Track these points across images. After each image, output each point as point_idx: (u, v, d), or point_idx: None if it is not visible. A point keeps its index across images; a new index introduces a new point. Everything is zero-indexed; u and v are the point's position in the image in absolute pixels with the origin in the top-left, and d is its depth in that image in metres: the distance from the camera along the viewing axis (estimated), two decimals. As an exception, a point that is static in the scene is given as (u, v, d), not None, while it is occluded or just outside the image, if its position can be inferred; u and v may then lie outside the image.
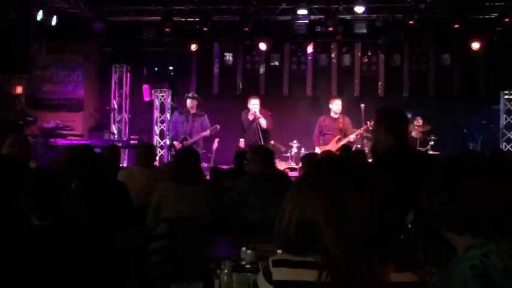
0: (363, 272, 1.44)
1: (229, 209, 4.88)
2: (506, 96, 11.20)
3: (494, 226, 1.63)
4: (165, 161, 11.10)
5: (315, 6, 10.97)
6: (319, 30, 11.38)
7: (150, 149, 6.41)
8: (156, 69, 12.22)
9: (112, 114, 12.24)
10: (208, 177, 7.14)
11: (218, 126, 9.88)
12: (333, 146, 9.26)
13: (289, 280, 1.49)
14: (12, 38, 9.51)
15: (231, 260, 3.07)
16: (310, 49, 12.05)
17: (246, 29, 11.02)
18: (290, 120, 11.31)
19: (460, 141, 10.80)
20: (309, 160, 6.38)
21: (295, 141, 9.97)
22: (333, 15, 10.88)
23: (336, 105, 9.72)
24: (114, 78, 12.27)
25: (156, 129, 11.88)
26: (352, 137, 9.43)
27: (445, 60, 12.00)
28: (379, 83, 12.06)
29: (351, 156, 6.73)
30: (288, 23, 11.40)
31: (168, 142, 11.29)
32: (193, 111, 10.05)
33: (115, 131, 12.18)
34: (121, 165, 8.77)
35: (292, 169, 9.20)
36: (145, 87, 12.05)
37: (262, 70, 12.28)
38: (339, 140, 9.46)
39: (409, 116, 10.61)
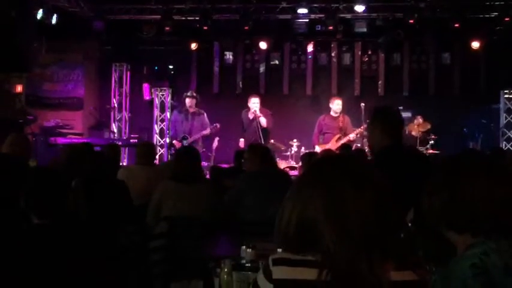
0: (363, 270, 1.45)
1: (229, 208, 4.88)
2: (506, 96, 11.18)
3: (494, 225, 1.63)
4: (165, 159, 11.10)
5: (315, 5, 10.97)
6: (319, 29, 11.38)
7: (150, 148, 6.41)
8: (156, 68, 12.21)
9: (112, 113, 12.23)
10: (208, 176, 7.14)
11: (218, 125, 9.88)
12: (332, 145, 9.26)
13: (289, 279, 1.49)
14: (12, 36, 9.51)
15: (231, 259, 3.07)
16: (310, 48, 12.05)
17: (246, 27, 11.02)
18: (290, 119, 11.31)
19: (460, 141, 10.79)
20: (309, 159, 6.38)
21: (295, 140, 9.97)
22: (333, 14, 10.88)
23: (336, 105, 9.71)
24: (114, 77, 12.26)
25: (156, 128, 11.88)
26: (352, 136, 9.43)
27: (445, 59, 12.00)
28: (379, 82, 12.06)
29: (350, 155, 6.74)
30: (288, 22, 11.39)
31: (168, 141, 11.29)
32: (192, 110, 10.05)
33: (115, 130, 12.18)
34: (121, 164, 8.77)
35: (292, 168, 9.20)
36: (146, 86, 12.05)
37: (262, 69, 12.27)
38: (339, 138, 9.46)
39: (409, 115, 10.63)
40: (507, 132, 11.12)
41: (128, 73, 12.33)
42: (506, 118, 11.16)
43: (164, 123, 11.80)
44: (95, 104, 12.40)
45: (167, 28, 11.08)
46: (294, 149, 9.89)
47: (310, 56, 12.13)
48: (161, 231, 4.39)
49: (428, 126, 10.04)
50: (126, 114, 12.32)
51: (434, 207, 1.72)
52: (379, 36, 11.53)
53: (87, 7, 11.12)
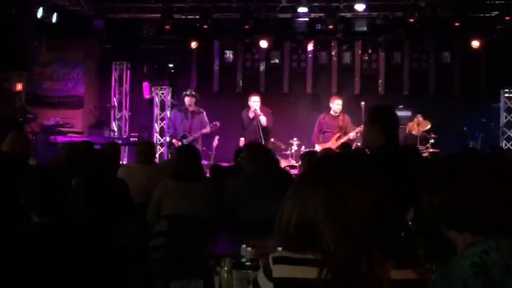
0: (363, 269, 1.45)
1: (229, 207, 4.88)
2: (506, 95, 11.18)
3: (494, 224, 1.64)
4: (165, 158, 11.10)
5: (315, 4, 10.97)
6: (319, 28, 11.38)
7: (150, 147, 6.42)
8: (156, 66, 12.20)
9: (112, 112, 12.23)
10: (208, 175, 7.14)
11: (218, 123, 9.89)
12: (332, 144, 9.26)
13: (290, 277, 1.49)
14: (13, 35, 9.52)
15: (231, 258, 3.07)
16: (310, 47, 12.04)
17: (247, 26, 11.01)
18: (290, 118, 11.31)
19: (460, 140, 10.79)
20: (309, 158, 6.38)
21: (295, 139, 9.97)
22: (333, 13, 10.87)
23: (336, 105, 9.71)
24: (114, 75, 12.26)
25: (156, 127, 11.87)
26: (352, 135, 9.42)
27: (445, 58, 12.00)
28: (380, 81, 12.05)
29: (350, 154, 6.74)
30: (288, 21, 11.39)
31: (168, 140, 11.29)
32: (191, 108, 10.05)
33: (115, 129, 12.17)
34: (121, 162, 8.77)
35: (292, 167, 9.20)
36: (146, 84, 12.04)
37: (262, 68, 12.27)
38: (339, 137, 9.46)
39: (409, 114, 10.63)
40: (507, 131, 11.11)
41: (128, 72, 12.33)
42: (506, 117, 11.16)
43: (164, 121, 11.79)
44: (95, 102, 12.39)
45: (167, 27, 11.08)
46: (294, 147, 9.89)
47: (310, 55, 12.13)
48: (161, 230, 4.40)
49: (429, 125, 10.04)
50: (126, 113, 12.32)
51: (434, 206, 1.72)
52: (380, 35, 11.52)
53: (87, 6, 11.11)
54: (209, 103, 11.11)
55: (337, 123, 9.63)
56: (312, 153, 6.89)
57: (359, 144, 9.60)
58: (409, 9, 10.67)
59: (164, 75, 12.06)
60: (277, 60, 12.28)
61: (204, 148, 9.82)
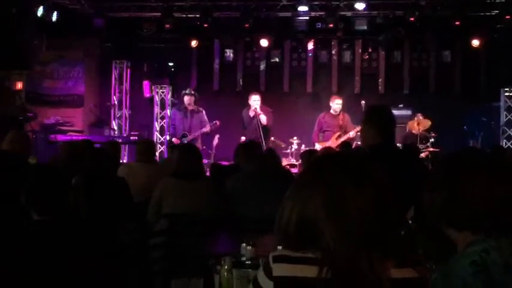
0: (363, 268, 1.45)
1: (229, 206, 4.89)
2: (506, 94, 11.18)
3: (494, 223, 1.64)
4: (165, 157, 11.10)
5: (315, 3, 10.97)
6: (319, 26, 11.38)
7: (150, 145, 6.42)
8: (156, 65, 12.20)
9: (112, 110, 12.23)
10: (208, 174, 7.14)
11: (218, 122, 9.89)
12: (332, 143, 9.26)
13: (290, 276, 1.49)
14: (13, 33, 9.52)
15: (231, 256, 3.08)
16: (310, 46, 12.04)
17: (247, 25, 11.01)
18: (290, 116, 11.31)
19: (460, 139, 10.79)
20: (309, 157, 6.39)
21: (295, 138, 9.97)
22: (333, 11, 10.87)
23: (336, 104, 9.72)
24: (115, 74, 12.25)
25: (157, 126, 11.87)
26: (352, 134, 9.42)
27: (445, 57, 11.99)
28: (380, 80, 12.05)
29: (350, 152, 6.73)
30: (289, 20, 11.39)
31: (168, 138, 11.29)
32: (191, 107, 10.06)
33: (115, 127, 12.17)
34: (121, 161, 8.77)
35: (292, 166, 9.20)
36: (146, 83, 12.04)
37: (262, 66, 12.27)
38: (339, 136, 9.46)
39: (410, 112, 10.64)
40: (507, 130, 11.11)
41: (128, 70, 12.32)
42: (506, 116, 11.16)
43: (164, 120, 11.80)
44: (95, 101, 12.40)
45: (167, 25, 11.08)
46: (294, 146, 9.89)
47: (310, 54, 12.13)
48: (161, 228, 4.40)
49: (429, 124, 10.03)
50: (126, 112, 12.31)
51: (434, 205, 1.72)
52: (380, 34, 11.52)
53: (88, 4, 11.11)
54: (209, 102, 11.12)
55: (337, 122, 9.63)
56: (312, 152, 6.89)
57: (359, 143, 9.60)
58: (409, 8, 10.67)
59: (164, 74, 12.05)
60: (277, 59, 12.28)
61: (204, 147, 9.83)
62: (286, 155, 9.89)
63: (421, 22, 10.79)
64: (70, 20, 10.92)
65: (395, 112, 10.77)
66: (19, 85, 10.30)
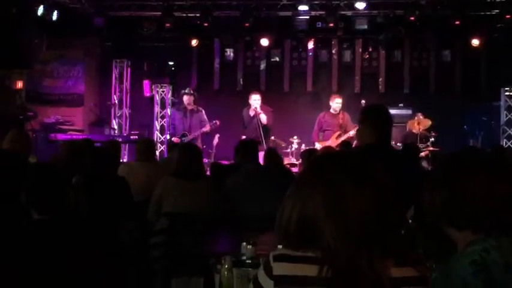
0: (363, 267, 1.45)
1: (229, 205, 4.89)
2: (507, 93, 11.17)
3: (494, 222, 1.64)
4: (166, 156, 11.09)
5: (315, 2, 10.96)
6: (320, 26, 11.38)
7: (150, 144, 6.42)
8: (156, 64, 12.20)
9: (112, 110, 12.23)
10: (208, 173, 7.15)
11: (218, 122, 9.89)
12: (333, 142, 9.26)
13: (290, 275, 1.49)
14: (13, 33, 9.52)
15: (232, 255, 3.08)
16: (310, 45, 12.04)
17: (247, 24, 11.01)
18: (291, 116, 11.31)
19: (460, 138, 10.78)
20: (309, 156, 6.39)
21: (295, 137, 9.98)
22: (333, 11, 10.87)
23: (335, 103, 9.73)
24: (115, 73, 12.25)
25: (157, 125, 11.87)
26: (352, 133, 9.41)
27: (445, 57, 11.99)
28: (380, 79, 12.05)
29: (351, 152, 6.73)
30: (289, 19, 11.39)
31: (168, 138, 11.29)
32: (190, 107, 10.06)
33: (115, 126, 12.17)
34: (121, 160, 8.77)
35: (292, 165, 9.21)
36: (146, 82, 12.03)
37: (262, 66, 12.26)
38: (339, 136, 9.47)
39: (410, 112, 10.64)
40: (507, 129, 11.11)
41: (129, 69, 12.32)
42: (506, 115, 11.15)
43: (165, 119, 11.79)
44: (95, 100, 12.39)
45: (168, 24, 11.08)
46: (295, 145, 9.90)
47: (310, 53, 12.12)
48: (161, 228, 4.40)
49: (429, 124, 10.03)
50: (126, 111, 12.32)
51: (434, 204, 1.72)
52: (380, 33, 11.52)
53: (88, 3, 11.12)
54: (209, 101, 11.12)
55: (337, 122, 9.64)
56: (312, 151, 6.89)
57: (359, 142, 9.60)
58: (409, 8, 10.67)
59: (165, 73, 12.05)
60: (277, 59, 12.28)
61: (204, 146, 9.83)
62: (287, 155, 9.90)
63: (421, 21, 10.79)
64: (70, 19, 10.93)
65: (395, 111, 10.87)
66: (19, 84, 10.30)
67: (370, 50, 12.12)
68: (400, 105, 10.96)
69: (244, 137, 9.55)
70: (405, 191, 2.19)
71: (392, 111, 10.24)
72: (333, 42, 12.09)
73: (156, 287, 4.17)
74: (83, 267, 2.51)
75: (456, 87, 11.85)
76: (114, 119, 12.21)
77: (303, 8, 10.93)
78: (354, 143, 9.27)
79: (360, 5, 10.56)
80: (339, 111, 9.69)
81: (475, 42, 11.14)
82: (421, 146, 9.61)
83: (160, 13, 11.10)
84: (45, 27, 10.62)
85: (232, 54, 12.34)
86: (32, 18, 10.05)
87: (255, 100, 9.57)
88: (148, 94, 12.06)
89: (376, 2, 10.85)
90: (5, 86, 10.12)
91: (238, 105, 10.19)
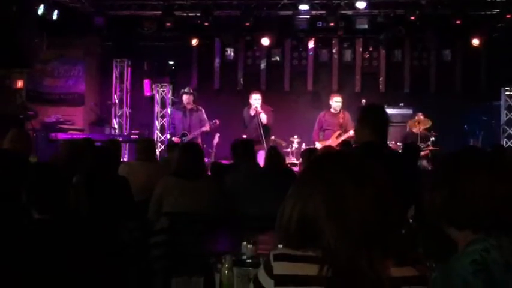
0: (363, 266, 1.45)
1: (229, 204, 4.89)
2: (507, 93, 11.18)
3: (494, 222, 1.64)
4: (166, 156, 11.10)
5: (316, 2, 10.96)
6: (320, 25, 11.37)
7: (150, 144, 6.42)
8: (156, 63, 12.20)
9: (113, 109, 12.23)
10: (208, 172, 7.15)
11: (217, 121, 9.90)
12: (333, 142, 9.26)
13: (290, 274, 1.49)
14: (13, 32, 9.52)
15: (232, 255, 3.08)
16: (311, 44, 12.04)
17: (247, 24, 11.01)
18: (291, 115, 11.31)
19: (460, 138, 10.78)
20: (309, 155, 6.39)
21: (296, 137, 9.98)
22: (334, 10, 10.86)
23: (334, 102, 9.72)
24: (115, 72, 12.26)
25: (157, 124, 11.88)
26: (352, 132, 9.36)
27: (446, 56, 11.99)
28: (380, 79, 12.05)
29: (351, 151, 6.73)
30: (289, 18, 11.40)
31: (168, 137, 11.30)
32: (189, 106, 10.06)
33: (116, 126, 12.18)
34: (121, 159, 8.77)
35: (292, 164, 9.20)
36: (146, 81, 12.04)
37: (263, 65, 12.26)
38: (339, 135, 9.46)
39: (410, 112, 10.64)
40: (508, 129, 11.11)
41: (129, 69, 12.33)
42: (507, 115, 11.16)
43: (165, 119, 11.80)
44: (95, 99, 12.39)
45: (168, 24, 11.07)
46: (295, 145, 9.90)
47: (311, 53, 12.12)
48: (162, 227, 4.40)
49: (429, 123, 10.03)
50: (126, 110, 12.32)
51: (435, 203, 1.72)
52: (380, 33, 11.51)
53: (88, 3, 11.12)
54: (210, 101, 11.12)
55: (337, 121, 9.63)
56: (312, 151, 6.89)
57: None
58: (410, 7, 10.67)
59: (165, 73, 12.06)
60: (278, 58, 12.27)
61: (204, 146, 9.83)
62: (287, 154, 9.89)
63: (421, 21, 10.79)
64: (70, 19, 10.92)
65: (396, 111, 10.87)
66: (20, 83, 10.30)
67: (371, 49, 12.12)
68: (400, 104, 10.97)
69: (245, 136, 9.57)
70: (405, 191, 2.19)
71: (393, 111, 10.40)
72: (333, 42, 12.09)
73: (157, 286, 4.17)
74: (83, 266, 2.51)
75: (456, 86, 11.84)
76: (115, 118, 12.21)
77: (303, 7, 10.92)
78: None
79: (361, 5, 10.55)
80: (339, 111, 9.69)
81: (476, 41, 11.14)
82: (421, 145, 9.59)
83: (160, 12, 11.10)
84: (46, 27, 10.62)
85: (232, 53, 12.34)
86: (32, 17, 10.06)
87: (256, 99, 9.58)
88: (148, 93, 12.06)
89: (376, 2, 10.85)
90: (5, 85, 10.12)
91: (239, 104, 10.19)
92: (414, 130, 9.97)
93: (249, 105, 9.66)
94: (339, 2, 10.82)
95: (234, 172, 5.28)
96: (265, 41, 11.56)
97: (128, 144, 11.26)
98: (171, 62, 12.13)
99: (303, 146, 9.71)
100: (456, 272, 1.59)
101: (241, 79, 12.29)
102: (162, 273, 4.20)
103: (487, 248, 1.59)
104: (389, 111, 10.17)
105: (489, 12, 10.87)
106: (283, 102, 11.51)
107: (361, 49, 12.08)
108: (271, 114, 9.70)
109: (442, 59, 11.98)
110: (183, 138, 9.77)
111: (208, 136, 10.13)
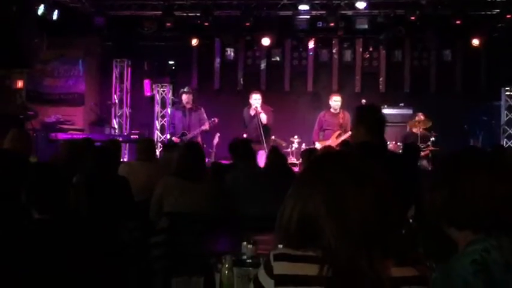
0: (363, 266, 1.45)
1: (229, 204, 4.89)
2: (507, 93, 11.19)
3: (495, 222, 1.64)
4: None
5: (316, 2, 10.96)
6: (320, 25, 11.37)
7: (150, 144, 6.42)
8: (156, 63, 12.20)
9: (113, 109, 12.24)
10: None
11: (216, 120, 9.88)
12: (333, 142, 9.25)
13: (290, 274, 1.49)
14: (13, 32, 9.53)
15: (232, 255, 3.08)
16: (311, 44, 12.04)
17: (248, 24, 11.02)
18: (291, 115, 11.32)
19: (461, 138, 10.78)
20: (309, 155, 6.39)
21: (296, 137, 9.99)
22: (334, 10, 10.87)
23: (334, 102, 9.72)
24: (115, 72, 12.26)
25: (157, 124, 11.89)
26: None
27: (446, 56, 11.99)
28: (380, 79, 12.05)
29: (351, 151, 6.73)
30: (289, 18, 11.40)
31: (168, 137, 11.30)
32: (189, 106, 10.04)
33: (116, 126, 12.18)
34: (121, 159, 8.77)
35: (293, 164, 9.20)
36: (146, 81, 12.04)
37: (263, 65, 12.26)
38: (339, 135, 9.46)
39: (410, 112, 10.63)
40: (508, 129, 11.12)
41: (129, 69, 12.33)
42: (507, 115, 11.16)
43: (165, 119, 11.81)
44: (95, 99, 12.40)
45: (168, 24, 11.08)
46: (295, 145, 9.91)
47: (311, 53, 12.12)
48: (162, 227, 4.40)
49: (430, 124, 10.03)
50: (127, 110, 12.33)
51: (435, 203, 1.72)
52: (380, 33, 11.52)
53: (88, 3, 11.12)
54: (210, 101, 11.12)
55: (337, 121, 9.63)
56: (312, 151, 6.89)
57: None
58: (410, 7, 10.67)
59: (165, 73, 12.06)
60: (278, 58, 12.27)
61: (204, 146, 9.82)
62: (287, 154, 9.89)
63: (421, 21, 10.79)
64: (71, 19, 10.93)
65: (396, 111, 10.86)
66: (20, 84, 10.30)
67: (371, 49, 12.12)
68: (400, 104, 10.96)
69: (245, 135, 9.57)
70: (405, 191, 2.19)
71: (393, 111, 10.40)
72: (333, 42, 12.09)
73: (157, 286, 4.17)
74: (83, 266, 2.51)
75: (457, 86, 11.84)
76: (115, 118, 12.22)
77: (303, 7, 10.92)
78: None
79: (361, 5, 10.55)
80: (339, 111, 9.68)
81: (476, 41, 11.14)
82: (421, 145, 9.59)
83: (160, 12, 11.10)
84: (46, 27, 10.63)
85: (232, 53, 12.34)
86: (32, 17, 10.06)
87: (256, 100, 9.57)
88: (148, 93, 12.07)
89: (376, 2, 10.85)
90: (6, 85, 10.12)
91: (239, 104, 10.19)
92: (414, 130, 9.97)
93: (249, 105, 9.66)
94: (339, 2, 10.82)
95: (234, 172, 5.28)
96: (266, 41, 11.56)
97: (128, 144, 11.26)
98: (171, 62, 12.13)
99: (303, 146, 9.71)
100: (456, 272, 1.59)
101: (241, 79, 12.29)
102: (162, 273, 4.20)
103: (487, 248, 1.59)
104: (390, 111, 10.20)
105: (489, 12, 10.87)
106: (283, 102, 11.51)
107: (361, 49, 12.08)
108: (271, 114, 9.69)
109: (442, 59, 11.97)
110: (183, 138, 9.76)
111: (208, 136, 10.13)
